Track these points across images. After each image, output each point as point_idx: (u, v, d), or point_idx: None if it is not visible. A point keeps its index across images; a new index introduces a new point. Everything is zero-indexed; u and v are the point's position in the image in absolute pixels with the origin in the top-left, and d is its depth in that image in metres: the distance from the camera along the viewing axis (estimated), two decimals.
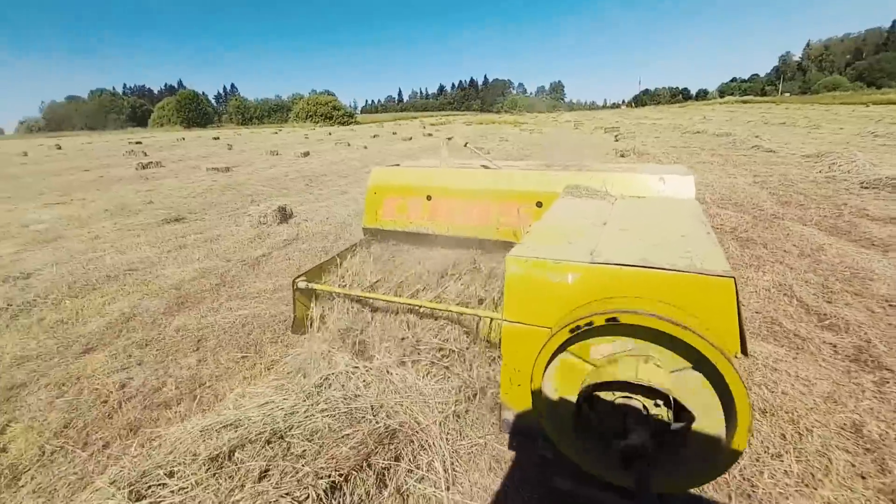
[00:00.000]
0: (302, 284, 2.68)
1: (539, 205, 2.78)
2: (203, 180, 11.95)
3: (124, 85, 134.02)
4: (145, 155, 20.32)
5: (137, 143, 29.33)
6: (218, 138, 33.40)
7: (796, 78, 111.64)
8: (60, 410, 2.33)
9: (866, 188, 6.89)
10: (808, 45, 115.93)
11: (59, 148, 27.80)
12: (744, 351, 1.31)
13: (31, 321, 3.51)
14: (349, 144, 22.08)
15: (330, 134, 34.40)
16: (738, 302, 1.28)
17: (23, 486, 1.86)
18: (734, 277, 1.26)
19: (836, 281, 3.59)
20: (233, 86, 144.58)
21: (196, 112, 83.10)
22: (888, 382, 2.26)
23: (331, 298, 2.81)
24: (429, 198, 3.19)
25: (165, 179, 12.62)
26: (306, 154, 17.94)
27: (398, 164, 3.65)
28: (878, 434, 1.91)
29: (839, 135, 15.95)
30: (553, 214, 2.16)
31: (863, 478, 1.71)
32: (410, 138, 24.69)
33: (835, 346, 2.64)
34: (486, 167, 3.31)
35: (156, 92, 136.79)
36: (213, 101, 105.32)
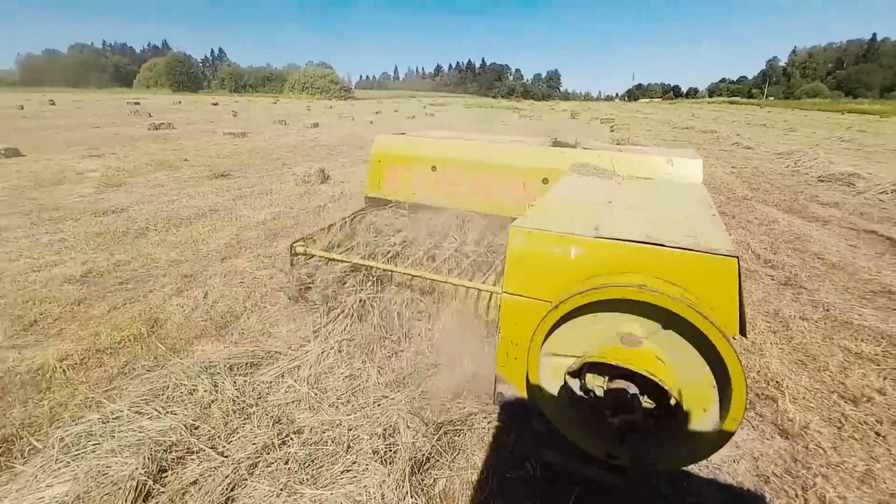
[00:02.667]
0: (300, 249, 2.64)
1: (545, 181, 2.76)
2: (224, 143, 12.46)
3: (103, 41, 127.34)
4: (150, 116, 20.35)
5: (136, 103, 28.87)
6: (216, 104, 33.05)
7: (781, 83, 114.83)
8: (241, 287, 3.27)
9: (822, 181, 8.17)
10: (793, 51, 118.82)
11: (53, 104, 27.17)
12: (742, 332, 1.30)
13: (157, 240, 4.36)
14: (353, 119, 22.50)
15: (331, 107, 34.39)
16: (739, 282, 1.27)
17: (241, 321, 2.82)
18: (738, 257, 1.25)
19: (781, 242, 4.75)
20: (220, 50, 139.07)
21: (187, 76, 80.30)
22: (801, 294, 3.40)
23: (327, 265, 2.68)
24: (434, 168, 3.13)
25: (183, 140, 13.05)
26: (315, 125, 18.38)
27: (403, 133, 3.59)
28: (787, 314, 3.04)
29: (811, 138, 17.41)
30: (559, 190, 2.15)
31: (773, 332, 2.82)
32: (413, 116, 25.19)
33: (772, 277, 3.78)
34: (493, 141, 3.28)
35: (138, 51, 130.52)
36: (199, 65, 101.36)
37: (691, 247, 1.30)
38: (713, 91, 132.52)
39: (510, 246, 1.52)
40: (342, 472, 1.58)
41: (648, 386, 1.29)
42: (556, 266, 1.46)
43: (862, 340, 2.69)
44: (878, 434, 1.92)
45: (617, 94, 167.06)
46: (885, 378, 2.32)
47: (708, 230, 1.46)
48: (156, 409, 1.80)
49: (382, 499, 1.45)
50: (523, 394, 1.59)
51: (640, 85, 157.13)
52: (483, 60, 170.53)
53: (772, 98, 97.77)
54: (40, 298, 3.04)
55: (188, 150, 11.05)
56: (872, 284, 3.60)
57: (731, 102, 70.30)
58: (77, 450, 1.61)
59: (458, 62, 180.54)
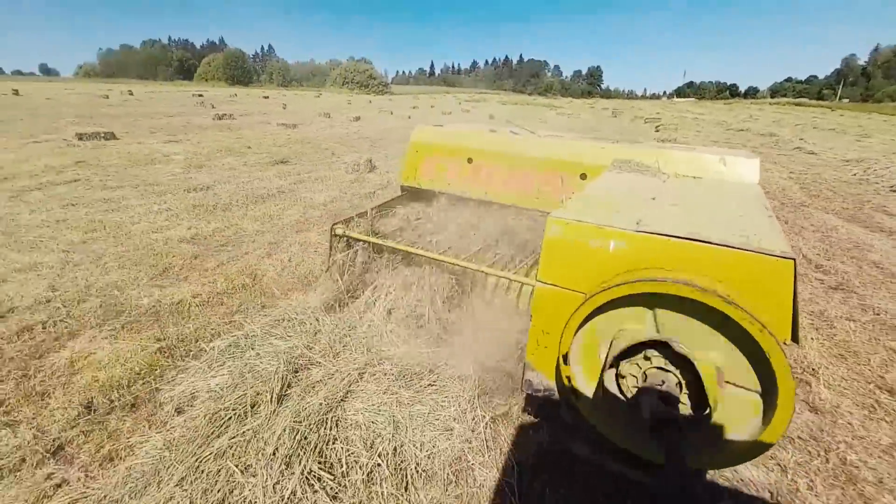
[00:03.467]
0: (339, 231, 2.71)
1: (583, 177, 2.71)
2: (278, 134, 13.36)
3: (169, 38, 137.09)
4: (213, 107, 22.00)
5: (199, 95, 31.15)
6: (267, 97, 34.97)
7: (859, 84, 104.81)
8: (316, 254, 3.78)
9: (894, 191, 7.71)
10: (875, 49, 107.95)
11: (132, 94, 29.89)
12: (795, 339, 1.23)
13: (240, 214, 4.98)
14: (392, 113, 23.16)
15: (370, 102, 35.47)
16: (795, 286, 1.20)
17: (321, 280, 3.30)
18: (794, 259, 1.19)
19: (838, 249, 4.68)
20: (270, 46, 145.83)
21: (241, 70, 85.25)
22: (851, 297, 3.44)
23: (366, 248, 2.79)
24: (470, 160, 3.13)
25: (244, 130, 14.10)
26: (357, 119, 19.17)
27: (441, 125, 3.61)
28: (833, 315, 3.12)
29: (887, 145, 16.07)
30: (598, 184, 2.11)
31: (816, 329, 2.94)
32: (450, 112, 25.53)
33: (822, 280, 3.81)
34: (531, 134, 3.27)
35: (198, 47, 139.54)
36: (251, 61, 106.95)
37: (743, 246, 1.24)
38: (776, 91, 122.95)
39: (546, 235, 1.51)
40: (427, 385, 1.98)
41: (687, 382, 1.27)
42: (593, 258, 1.44)
43: None
44: None
45: (665, 93, 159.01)
46: None
47: (762, 230, 1.40)
48: (279, 333, 2.29)
49: (459, 406, 1.83)
50: (552, 382, 1.59)
51: (691, 83, 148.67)
52: (520, 56, 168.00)
53: (846, 100, 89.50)
54: (164, 252, 3.69)
55: (249, 138, 11.98)
56: None
57: (797, 104, 65.03)
58: (229, 354, 2.13)
59: (494, 58, 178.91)
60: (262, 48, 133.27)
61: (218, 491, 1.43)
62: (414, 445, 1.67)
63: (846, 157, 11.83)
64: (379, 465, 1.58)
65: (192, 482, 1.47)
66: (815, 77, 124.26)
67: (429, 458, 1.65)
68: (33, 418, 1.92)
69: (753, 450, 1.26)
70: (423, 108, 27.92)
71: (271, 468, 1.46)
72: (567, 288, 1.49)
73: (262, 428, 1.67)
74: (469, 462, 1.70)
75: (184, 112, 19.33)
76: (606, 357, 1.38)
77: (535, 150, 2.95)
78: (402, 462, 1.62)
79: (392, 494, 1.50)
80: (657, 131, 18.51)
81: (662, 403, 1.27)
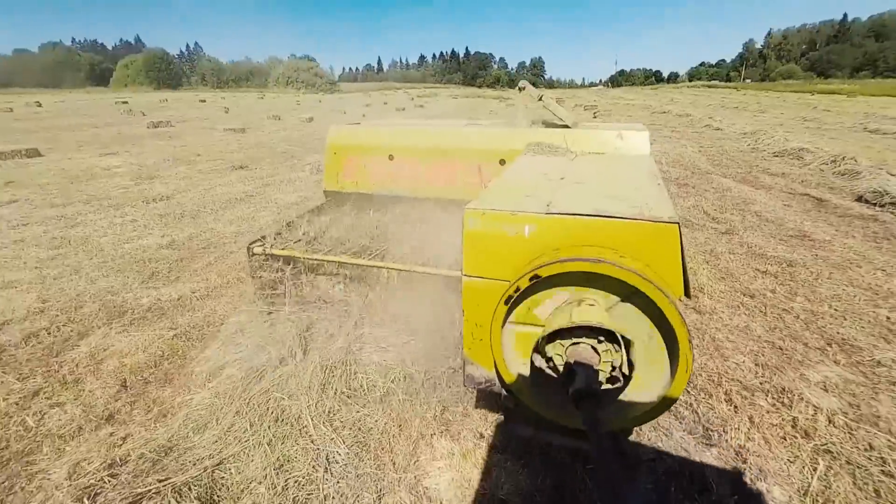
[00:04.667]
0: (258, 250, 2.55)
1: (502, 162, 2.77)
2: (227, 139, 13.02)
3: (73, 39, 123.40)
4: (143, 115, 20.59)
5: (124, 102, 28.80)
6: (204, 101, 33.07)
7: (757, 65, 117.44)
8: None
9: (776, 156, 9.24)
10: (769, 33, 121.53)
11: (40, 105, 26.98)
12: (687, 293, 1.36)
13: (212, 219, 5.15)
14: (345, 112, 22.97)
15: (320, 101, 34.66)
16: (682, 246, 1.32)
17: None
18: (678, 223, 1.30)
19: (730, 204, 5.74)
20: (196, 44, 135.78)
21: (167, 73, 78.85)
22: (734, 238, 4.39)
23: (291, 263, 2.66)
24: (391, 157, 3.09)
25: (187, 137, 13.57)
26: (311, 119, 18.90)
27: (358, 123, 3.52)
28: (720, 251, 4.02)
29: (778, 118, 18.61)
30: (513, 170, 2.18)
31: (706, 262, 3.79)
32: (403, 108, 25.79)
33: (716, 228, 4.76)
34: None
35: (110, 48, 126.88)
36: (177, 61, 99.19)
37: (636, 216, 1.36)
38: (693, 75, 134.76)
39: (465, 228, 1.54)
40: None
41: (607, 342, 1.39)
42: (511, 245, 1.49)
43: (769, 264, 3.67)
44: (760, 311, 2.90)
45: (601, 81, 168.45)
46: (778, 284, 3.30)
47: (652, 200, 1.53)
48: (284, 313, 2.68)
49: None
50: (492, 372, 1.64)
51: (622, 71, 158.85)
52: (467, 49, 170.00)
53: (748, 81, 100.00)
54: (146, 259, 3.86)
55: (196, 146, 11.62)
56: (792, 231, 4.60)
57: (710, 86, 72.03)
58: (247, 329, 2.50)
59: (441, 52, 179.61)
60: (188, 46, 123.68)
61: (271, 413, 1.86)
62: (418, 372, 2.18)
63: (744, 130, 13.69)
64: (392, 387, 2.08)
65: (246, 412, 1.88)
66: (724, 61, 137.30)
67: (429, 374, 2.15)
68: (75, 399, 2.20)
69: (666, 402, 1.41)
70: (377, 106, 27.84)
71: (311, 393, 1.91)
72: (492, 278, 1.53)
73: (295, 371, 2.10)
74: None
75: (111, 122, 18.00)
76: (533, 344, 1.49)
77: (453, 140, 2.96)
78: (411, 384, 2.12)
79: (406, 400, 2.01)
80: (595, 117, 20.03)
81: (585, 379, 1.35)
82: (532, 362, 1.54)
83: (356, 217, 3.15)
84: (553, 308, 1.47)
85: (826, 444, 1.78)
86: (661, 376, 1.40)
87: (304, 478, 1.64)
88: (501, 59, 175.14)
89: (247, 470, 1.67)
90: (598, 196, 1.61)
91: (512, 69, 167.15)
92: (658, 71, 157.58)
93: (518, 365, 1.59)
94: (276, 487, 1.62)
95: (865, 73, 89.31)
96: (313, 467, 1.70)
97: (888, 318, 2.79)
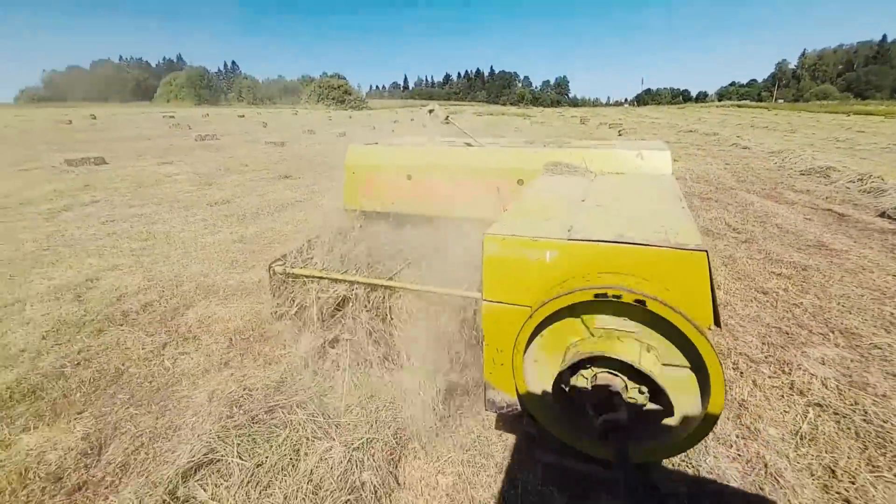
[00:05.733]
0: (279, 268, 2.58)
1: (520, 182, 2.76)
2: (270, 152, 13.99)
3: (120, 57, 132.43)
4: (190, 128, 22.20)
5: (170, 116, 30.94)
6: (243, 116, 35.10)
7: (791, 85, 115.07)
8: None
9: (802, 174, 9.36)
10: (803, 53, 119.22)
11: (95, 118, 29.35)
12: (717, 322, 1.33)
13: (270, 220, 5.78)
14: (374, 128, 24.08)
15: (350, 117, 36.26)
16: (710, 274, 1.29)
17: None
18: (707, 251, 1.28)
19: (751, 217, 6.00)
20: (234, 63, 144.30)
21: (207, 89, 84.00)
22: (753, 246, 4.68)
23: (310, 282, 2.62)
24: (409, 177, 3.12)
25: (233, 149, 14.63)
26: (343, 134, 19.93)
27: (377, 143, 3.57)
28: (738, 256, 4.32)
29: (809, 138, 18.46)
30: (532, 192, 2.16)
31: (725, 265, 4.11)
32: (426, 125, 26.75)
33: (736, 238, 5.05)
34: (468, 145, 3.27)
35: (153, 66, 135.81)
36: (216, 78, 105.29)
37: (661, 243, 1.33)
38: (723, 95, 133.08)
39: (485, 253, 1.53)
40: None
41: (634, 380, 1.35)
42: (532, 270, 1.48)
43: (784, 268, 3.96)
44: (771, 305, 3.21)
45: (626, 100, 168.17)
46: (791, 284, 3.60)
47: (677, 224, 1.50)
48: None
49: None
50: (513, 397, 1.62)
51: (648, 90, 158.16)
52: (491, 68, 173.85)
53: (781, 101, 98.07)
54: (222, 251, 4.48)
55: (243, 157, 12.57)
56: (810, 241, 4.85)
57: (740, 106, 71.09)
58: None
59: (466, 70, 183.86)
60: (226, 65, 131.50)
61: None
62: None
63: (772, 149, 13.74)
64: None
65: (340, 343, 2.36)
66: (756, 81, 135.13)
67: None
68: (196, 350, 2.74)
69: (698, 433, 1.36)
70: (403, 121, 28.96)
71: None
72: (513, 303, 1.52)
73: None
74: None
75: (161, 134, 19.49)
76: (560, 368, 1.43)
77: (472, 160, 2.98)
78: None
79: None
80: (620, 135, 20.35)
81: (610, 410, 1.33)
82: (556, 389, 1.50)
83: (374, 236, 3.18)
84: (579, 335, 1.45)
85: (817, 400, 2.11)
86: (691, 408, 1.36)
87: (388, 403, 2.10)
88: (526, 78, 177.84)
89: (347, 399, 2.15)
90: (620, 220, 1.59)
91: (536, 87, 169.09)
92: (686, 90, 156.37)
93: (541, 392, 1.57)
94: (366, 409, 2.08)
95: None
96: (395, 398, 2.16)
97: (892, 313, 3.06)
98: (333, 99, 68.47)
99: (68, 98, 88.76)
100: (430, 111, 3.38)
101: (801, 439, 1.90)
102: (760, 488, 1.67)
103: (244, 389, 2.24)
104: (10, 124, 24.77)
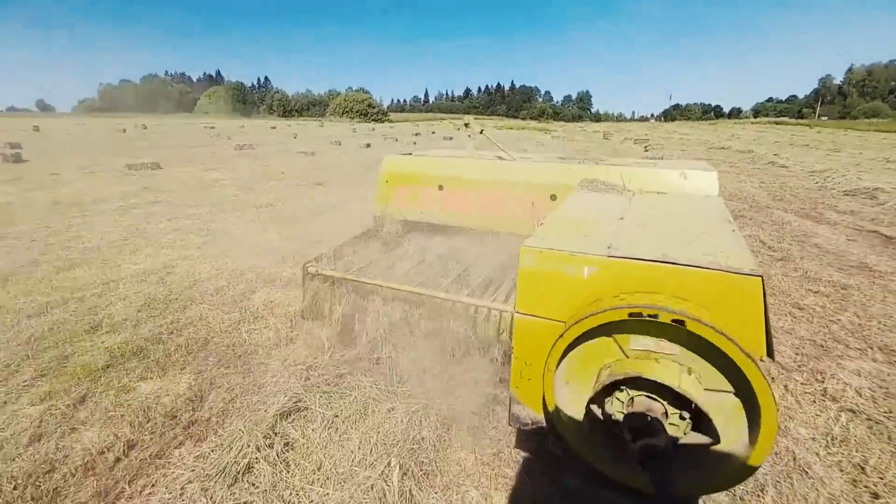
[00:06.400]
0: (312, 269, 2.66)
1: (553, 198, 2.73)
2: (302, 161, 14.64)
3: (166, 72, 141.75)
4: (229, 138, 23.55)
5: (211, 127, 32.87)
6: (275, 128, 36.85)
7: (836, 102, 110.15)
8: None
9: (847, 195, 9.08)
10: (850, 69, 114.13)
11: (145, 127, 31.56)
12: (769, 353, 1.26)
13: (310, 222, 6.17)
14: (397, 140, 24.78)
15: (373, 130, 37.39)
16: (765, 302, 1.22)
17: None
18: (762, 276, 1.21)
19: (788, 236, 5.93)
20: (266, 78, 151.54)
21: (243, 102, 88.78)
22: (789, 264, 4.66)
23: (341, 285, 2.69)
24: (440, 187, 3.15)
25: (268, 158, 15.42)
26: (368, 146, 20.66)
27: (410, 153, 3.65)
28: (773, 273, 4.32)
29: (855, 158, 17.71)
30: (568, 207, 2.13)
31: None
32: (451, 137, 27.27)
33: (772, 255, 5.03)
34: (500, 158, 3.30)
35: (194, 80, 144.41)
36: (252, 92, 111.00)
37: (711, 265, 1.27)
38: (759, 111, 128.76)
39: (521, 265, 1.52)
40: None
41: (674, 407, 1.27)
42: (568, 286, 1.45)
43: (822, 286, 3.95)
44: (807, 320, 3.24)
45: (652, 115, 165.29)
46: (829, 301, 3.59)
47: (728, 247, 1.44)
48: None
49: None
50: (539, 414, 1.57)
51: (677, 105, 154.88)
52: (512, 83, 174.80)
53: (825, 118, 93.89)
54: (273, 248, 4.88)
55: (278, 165, 13.27)
56: (852, 262, 4.78)
57: (778, 123, 68.54)
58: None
59: (486, 85, 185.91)
60: (259, 80, 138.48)
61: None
62: None
63: (813, 168, 13.32)
64: None
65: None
66: (796, 97, 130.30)
67: None
68: (265, 327, 3.09)
69: (744, 471, 1.26)
70: (425, 134, 29.69)
71: None
72: (547, 318, 1.49)
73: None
74: None
75: (203, 143, 20.76)
76: (593, 388, 1.37)
77: (503, 173, 2.98)
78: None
79: None
80: (646, 150, 20.16)
81: (649, 435, 1.26)
82: (588, 411, 1.45)
83: (405, 244, 3.25)
84: (614, 356, 1.39)
85: (850, 406, 2.17)
86: (738, 441, 1.28)
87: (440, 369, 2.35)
88: (547, 93, 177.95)
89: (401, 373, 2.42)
90: (663, 239, 1.54)
91: (557, 102, 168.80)
92: (718, 106, 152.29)
93: (572, 412, 1.50)
94: (420, 380, 2.32)
95: None
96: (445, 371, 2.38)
97: None
98: (357, 112, 70.86)
99: (120, 109, 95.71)
100: (466, 124, 3.53)
101: (831, 440, 1.97)
102: (788, 477, 1.77)
103: (313, 359, 2.59)
104: (72, 132, 26.99)
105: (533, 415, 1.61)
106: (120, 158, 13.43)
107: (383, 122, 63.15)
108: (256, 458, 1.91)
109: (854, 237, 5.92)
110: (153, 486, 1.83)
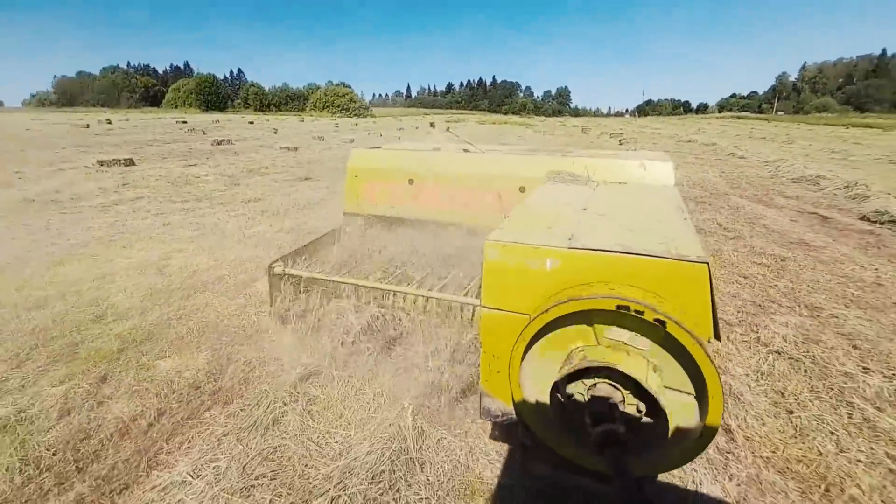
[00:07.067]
0: (278, 269, 2.59)
1: (522, 190, 2.76)
2: (285, 156, 14.60)
3: (128, 63, 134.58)
4: (204, 133, 22.96)
5: (183, 122, 31.80)
6: (252, 123, 36.01)
7: (791, 98, 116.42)
8: None
9: (794, 182, 9.94)
10: (803, 66, 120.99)
11: (110, 123, 30.23)
12: (716, 335, 1.33)
13: (302, 216, 6.37)
14: (381, 135, 24.79)
15: (356, 125, 37.10)
16: (711, 287, 1.29)
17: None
18: (708, 263, 1.28)
19: (741, 218, 6.56)
20: (240, 70, 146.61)
21: (215, 95, 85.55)
22: (740, 241, 5.23)
23: (309, 284, 2.67)
24: (411, 181, 3.11)
25: (250, 154, 15.25)
26: (352, 140, 20.63)
27: (380, 147, 3.62)
28: (725, 249, 4.87)
29: (805, 149, 19.07)
30: (534, 200, 2.16)
31: (713, 255, 4.66)
32: (430, 133, 27.48)
33: (725, 235, 5.60)
34: (468, 151, 3.29)
35: (160, 72, 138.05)
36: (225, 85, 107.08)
37: (663, 254, 1.34)
38: (723, 106, 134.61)
39: (485, 260, 1.54)
40: None
41: (631, 392, 1.35)
42: (532, 279, 1.48)
43: (765, 258, 4.51)
44: (750, 286, 3.76)
45: (627, 110, 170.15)
46: (769, 271, 4.15)
47: (679, 235, 1.51)
48: None
49: None
50: (509, 406, 1.61)
51: (650, 101, 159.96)
52: (493, 78, 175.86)
53: (781, 113, 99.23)
54: (267, 240, 5.07)
55: (261, 161, 13.18)
56: (793, 239, 5.40)
57: (740, 117, 72.14)
58: None
59: (468, 80, 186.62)
60: (232, 72, 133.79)
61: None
62: None
63: (767, 159, 14.34)
64: None
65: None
66: (756, 93, 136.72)
67: None
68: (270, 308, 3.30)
69: (696, 447, 1.35)
70: (408, 129, 29.76)
71: None
72: (511, 311, 1.52)
73: None
74: None
75: (178, 139, 20.19)
76: (562, 371, 1.41)
77: (473, 167, 2.99)
78: None
79: None
80: (621, 144, 21.01)
81: (610, 421, 1.32)
82: (552, 399, 1.50)
83: (374, 240, 3.23)
84: (573, 345, 1.45)
85: (777, 349, 2.65)
86: (689, 420, 1.36)
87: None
88: (528, 88, 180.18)
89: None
90: (622, 230, 1.60)
91: (538, 97, 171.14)
92: (686, 101, 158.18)
93: (537, 402, 1.55)
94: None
95: None
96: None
97: (854, 294, 3.61)
98: (339, 107, 69.76)
99: (78, 103, 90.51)
100: (432, 124, 3.69)
101: (760, 374, 2.43)
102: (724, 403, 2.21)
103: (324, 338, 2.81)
104: (30, 128, 25.61)
105: (503, 407, 1.65)
106: (88, 155, 13.02)
107: (365, 116, 62.44)
108: (284, 411, 2.20)
109: (797, 218, 6.61)
110: (189, 441, 2.06)
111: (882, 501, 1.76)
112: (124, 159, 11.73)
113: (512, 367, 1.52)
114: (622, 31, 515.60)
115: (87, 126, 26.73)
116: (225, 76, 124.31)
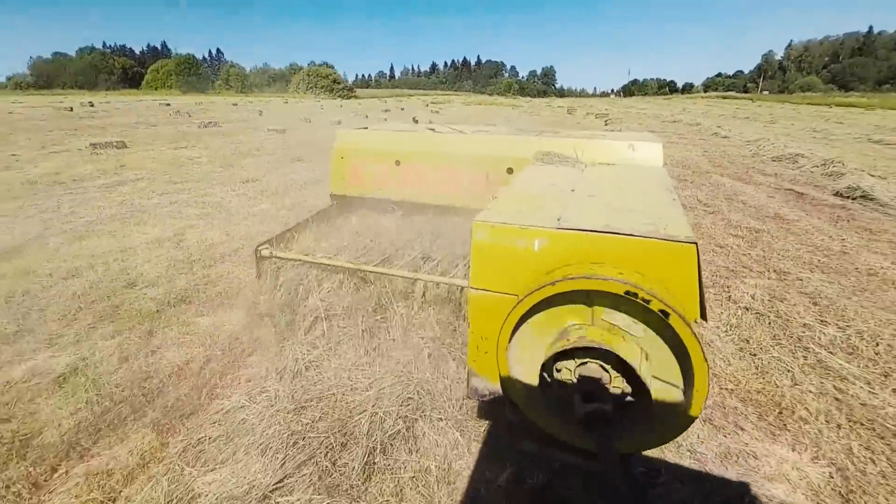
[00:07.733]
0: (265, 252, 2.57)
1: (510, 171, 2.75)
2: (274, 138, 14.47)
3: (104, 43, 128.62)
4: (189, 116, 22.49)
5: (167, 104, 30.96)
6: (236, 104, 35.18)
7: (776, 77, 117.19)
8: None
9: (774, 160, 10.36)
10: (789, 45, 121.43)
11: (93, 105, 29.29)
12: (703, 316, 1.34)
13: (301, 194, 6.53)
14: (367, 116, 24.55)
15: (341, 106, 36.50)
16: (699, 267, 1.30)
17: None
18: (696, 243, 1.29)
19: (721, 195, 6.93)
20: (219, 51, 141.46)
21: (195, 77, 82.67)
22: (718, 215, 5.60)
23: (296, 267, 2.66)
24: (397, 163, 3.10)
25: (238, 136, 15.10)
26: (339, 122, 20.39)
27: (366, 127, 3.60)
28: (704, 223, 5.24)
29: (787, 129, 19.56)
30: (522, 180, 2.16)
31: (694, 229, 5.02)
32: (420, 113, 27.28)
33: (706, 210, 5.97)
34: (456, 131, 3.26)
35: (137, 52, 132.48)
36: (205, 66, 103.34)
37: (650, 234, 1.34)
38: (708, 86, 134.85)
39: (474, 241, 1.55)
40: None
41: (618, 370, 1.37)
42: (520, 259, 1.48)
43: (741, 230, 4.89)
44: (725, 254, 4.13)
45: (612, 90, 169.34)
46: (744, 241, 4.52)
47: (668, 216, 1.51)
48: None
49: None
50: (496, 385, 1.63)
51: (635, 80, 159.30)
52: (478, 58, 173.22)
53: (766, 92, 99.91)
54: (271, 216, 5.27)
55: (250, 143, 13.10)
56: (769, 213, 5.79)
57: (724, 97, 72.58)
58: None
59: (453, 60, 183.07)
60: (210, 52, 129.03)
61: None
62: None
63: (749, 138, 14.75)
64: None
65: None
66: (742, 72, 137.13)
67: None
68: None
69: (681, 424, 1.38)
70: (394, 111, 29.45)
71: None
72: (500, 292, 1.53)
73: None
74: None
75: (164, 122, 19.78)
76: (555, 348, 1.41)
77: (461, 147, 2.98)
78: None
79: None
80: (606, 124, 21.21)
81: (594, 401, 1.34)
82: (540, 379, 1.53)
83: (361, 222, 3.21)
84: (564, 325, 1.46)
85: (745, 306, 3.02)
86: (675, 398, 1.38)
87: None
88: (513, 68, 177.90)
89: None
90: (610, 210, 1.60)
91: (523, 77, 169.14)
92: (672, 81, 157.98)
93: (525, 381, 1.57)
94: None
95: (889, 86, 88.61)
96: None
97: (820, 261, 4.00)
98: (322, 88, 68.17)
99: (56, 85, 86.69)
100: (414, 119, 3.76)
101: (729, 326, 2.80)
102: None
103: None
104: (13, 111, 24.72)
105: (491, 386, 1.68)
106: (79, 138, 12.83)
107: (350, 98, 61.18)
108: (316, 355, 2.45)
109: (773, 195, 7.01)
110: (239, 379, 2.36)
111: (826, 420, 2.13)
112: (116, 142, 11.62)
113: (500, 348, 1.55)
114: (608, 9, 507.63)
115: (71, 109, 25.89)
116: (204, 56, 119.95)
